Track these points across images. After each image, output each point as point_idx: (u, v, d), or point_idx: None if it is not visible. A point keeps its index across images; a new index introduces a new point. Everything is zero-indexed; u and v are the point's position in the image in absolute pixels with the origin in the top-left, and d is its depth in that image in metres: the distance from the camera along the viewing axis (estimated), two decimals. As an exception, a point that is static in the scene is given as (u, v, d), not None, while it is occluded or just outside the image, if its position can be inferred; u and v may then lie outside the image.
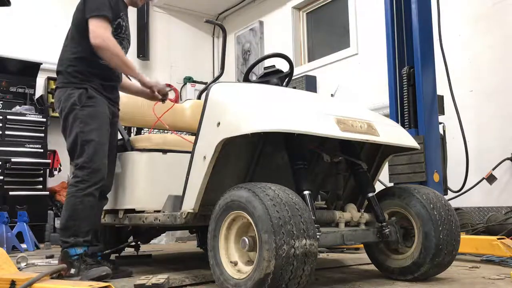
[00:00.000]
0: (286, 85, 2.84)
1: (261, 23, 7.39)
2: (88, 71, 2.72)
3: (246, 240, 1.91)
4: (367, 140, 2.17)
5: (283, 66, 2.88)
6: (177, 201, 2.48)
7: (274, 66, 2.81)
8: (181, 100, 7.81)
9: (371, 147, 2.60)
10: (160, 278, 2.27)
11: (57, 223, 5.45)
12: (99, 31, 2.61)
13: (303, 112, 2.12)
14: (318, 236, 1.93)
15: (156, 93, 2.91)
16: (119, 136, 3.00)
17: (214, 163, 2.14)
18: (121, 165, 2.93)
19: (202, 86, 7.82)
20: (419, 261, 2.26)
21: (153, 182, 2.82)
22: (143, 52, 7.38)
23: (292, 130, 1.94)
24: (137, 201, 2.81)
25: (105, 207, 2.95)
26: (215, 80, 3.72)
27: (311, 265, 1.83)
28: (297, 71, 6.52)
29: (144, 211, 2.78)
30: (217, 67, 8.24)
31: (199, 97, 3.94)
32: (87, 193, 2.58)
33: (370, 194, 2.37)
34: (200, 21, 8.19)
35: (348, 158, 2.42)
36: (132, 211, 2.83)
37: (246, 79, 2.88)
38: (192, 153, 2.32)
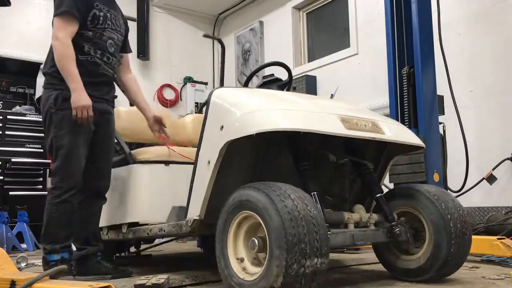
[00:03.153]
0: None
1: (261, 23, 7.39)
2: None
3: (256, 241, 1.88)
4: (372, 138, 2.14)
5: (282, 71, 2.87)
6: (181, 212, 2.45)
7: (273, 74, 2.81)
8: (181, 100, 7.82)
9: (375, 147, 2.57)
10: (160, 278, 2.26)
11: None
12: (55, 32, 2.56)
13: (307, 111, 2.11)
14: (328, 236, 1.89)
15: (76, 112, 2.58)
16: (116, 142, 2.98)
17: (219, 167, 2.11)
18: (123, 179, 2.89)
19: (202, 86, 7.83)
20: (425, 267, 2.23)
21: (156, 194, 2.78)
22: (143, 52, 7.38)
23: (297, 129, 1.92)
24: (140, 214, 2.76)
25: (108, 223, 2.93)
26: None
27: (318, 281, 1.81)
28: (297, 71, 6.52)
29: (147, 224, 2.73)
30: (217, 67, 8.24)
31: (200, 111, 3.93)
32: (62, 200, 2.54)
33: (378, 195, 2.33)
34: (200, 21, 8.21)
35: (354, 159, 2.40)
36: (136, 224, 2.79)
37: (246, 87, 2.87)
38: (195, 159, 2.28)
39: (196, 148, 2.32)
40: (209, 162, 2.14)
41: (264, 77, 2.78)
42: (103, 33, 2.70)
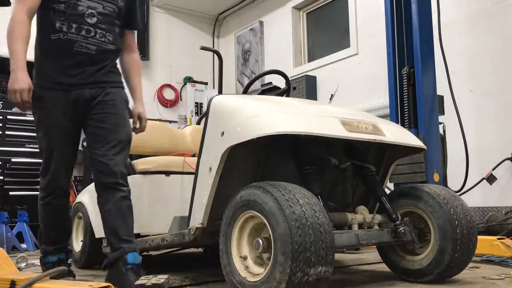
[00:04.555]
0: None
1: (261, 23, 7.39)
2: (40, 57, 2.35)
3: (260, 242, 1.87)
4: (374, 140, 2.12)
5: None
6: (183, 222, 2.43)
7: (271, 83, 2.81)
8: (181, 100, 7.82)
9: (377, 150, 2.56)
10: (160, 278, 2.26)
11: (57, 223, 5.46)
12: (13, 8, 2.25)
13: (308, 115, 2.10)
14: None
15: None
16: None
17: (220, 174, 2.09)
18: None
19: (202, 86, 7.83)
20: (426, 270, 2.23)
21: (157, 205, 2.75)
22: (143, 52, 7.38)
23: (298, 132, 1.91)
24: (141, 226, 2.72)
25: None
26: None
27: None
28: (297, 71, 6.52)
29: (148, 235, 2.71)
30: (217, 67, 8.23)
31: (198, 123, 3.91)
32: (45, 203, 2.52)
33: (382, 196, 2.31)
34: (200, 21, 8.20)
35: (355, 163, 2.38)
36: (137, 236, 2.74)
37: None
38: (196, 167, 2.26)
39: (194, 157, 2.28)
40: (210, 169, 2.12)
41: (262, 85, 2.78)
42: (78, 3, 2.31)
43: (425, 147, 2.41)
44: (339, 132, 2.02)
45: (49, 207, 2.50)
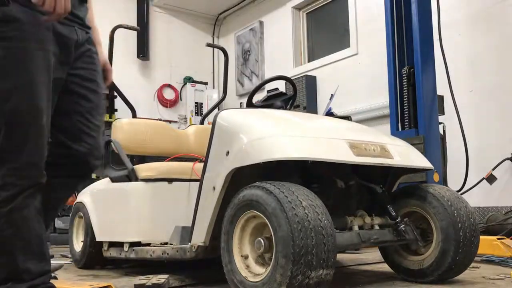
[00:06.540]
0: (291, 107, 2.79)
1: (261, 23, 7.39)
2: None
3: (262, 242, 1.86)
4: (381, 164, 2.12)
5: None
6: (185, 232, 2.41)
7: (277, 89, 2.76)
8: (181, 100, 7.83)
9: (383, 167, 2.55)
10: (160, 278, 2.26)
11: (57, 223, 5.45)
12: None
13: (315, 138, 2.08)
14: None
15: None
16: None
17: (224, 193, 2.07)
18: (125, 195, 2.81)
19: (202, 86, 7.83)
20: (427, 271, 2.22)
21: (159, 213, 2.70)
22: (143, 52, 7.38)
23: (306, 158, 1.90)
24: (142, 234, 2.69)
25: (109, 239, 2.82)
26: (218, 103, 3.72)
27: None
28: (297, 71, 6.52)
29: (150, 243, 2.68)
30: (217, 67, 8.25)
31: (201, 122, 3.90)
32: (14, 207, 1.50)
33: (389, 206, 2.29)
34: (200, 21, 8.20)
35: (362, 182, 2.37)
36: (138, 243, 2.73)
37: (250, 103, 2.80)
38: (200, 183, 2.23)
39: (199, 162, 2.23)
40: (214, 188, 2.10)
41: (268, 91, 2.74)
42: None
43: (432, 167, 2.39)
44: (347, 156, 2.01)
45: (23, 213, 1.52)
